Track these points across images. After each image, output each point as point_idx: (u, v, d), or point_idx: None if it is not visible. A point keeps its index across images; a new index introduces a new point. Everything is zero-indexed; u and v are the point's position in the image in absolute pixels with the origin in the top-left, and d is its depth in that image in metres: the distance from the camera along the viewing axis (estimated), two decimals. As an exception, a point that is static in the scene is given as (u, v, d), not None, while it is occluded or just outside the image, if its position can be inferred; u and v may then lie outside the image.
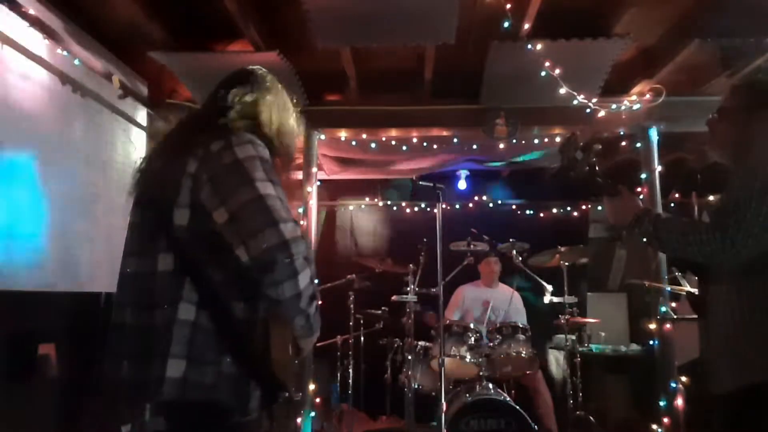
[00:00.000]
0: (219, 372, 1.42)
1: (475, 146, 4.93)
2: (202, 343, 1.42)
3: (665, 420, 3.84)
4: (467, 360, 4.06)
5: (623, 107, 4.16)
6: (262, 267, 1.38)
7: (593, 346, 4.97)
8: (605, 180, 1.97)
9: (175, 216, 1.45)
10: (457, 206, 6.18)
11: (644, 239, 1.81)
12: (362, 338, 4.83)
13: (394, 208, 6.37)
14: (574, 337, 4.62)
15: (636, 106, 4.16)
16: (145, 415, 1.43)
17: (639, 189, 4.21)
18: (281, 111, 1.70)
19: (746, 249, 1.60)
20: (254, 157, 1.47)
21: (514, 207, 6.34)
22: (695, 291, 2.01)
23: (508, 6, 3.10)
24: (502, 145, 4.71)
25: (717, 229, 1.61)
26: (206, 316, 1.43)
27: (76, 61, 3.22)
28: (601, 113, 4.15)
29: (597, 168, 1.95)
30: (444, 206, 3.54)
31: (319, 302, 1.55)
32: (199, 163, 1.47)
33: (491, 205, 6.29)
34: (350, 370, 4.68)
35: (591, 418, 4.31)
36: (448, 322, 4.28)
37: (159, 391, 1.38)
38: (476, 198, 6.27)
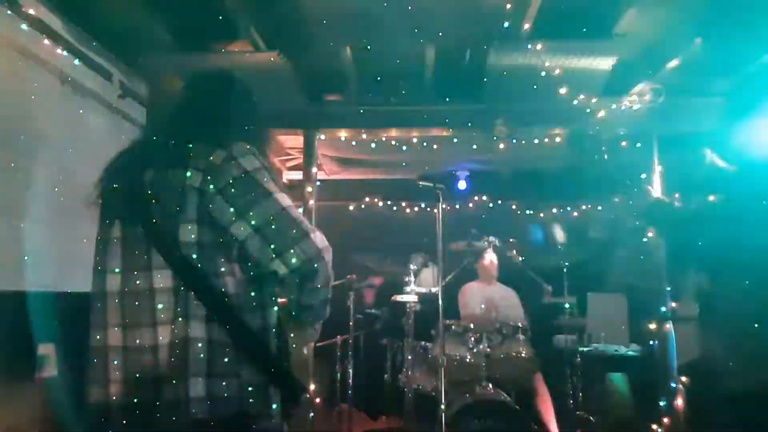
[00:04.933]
0: (241, 384, 1.38)
1: (474, 146, 4.93)
2: (220, 358, 1.37)
3: (665, 420, 3.84)
4: (467, 360, 4.06)
5: (623, 107, 4.16)
6: (302, 277, 1.40)
7: (593, 346, 4.96)
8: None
9: (180, 232, 1.39)
10: (457, 206, 6.17)
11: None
12: (362, 338, 4.83)
13: (394, 208, 6.36)
14: (574, 337, 4.61)
15: (636, 106, 4.16)
16: None
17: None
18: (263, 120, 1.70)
19: None
20: (261, 168, 1.44)
21: (514, 207, 6.32)
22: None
23: (508, 6, 3.10)
24: (502, 145, 4.71)
25: None
26: (218, 330, 1.38)
27: (76, 61, 3.22)
28: (601, 113, 4.15)
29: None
30: (444, 206, 3.55)
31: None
32: (203, 176, 1.40)
33: (491, 205, 6.28)
34: (350, 370, 4.68)
35: (591, 418, 4.31)
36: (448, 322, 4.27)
37: (187, 411, 1.33)
38: (476, 198, 6.26)
